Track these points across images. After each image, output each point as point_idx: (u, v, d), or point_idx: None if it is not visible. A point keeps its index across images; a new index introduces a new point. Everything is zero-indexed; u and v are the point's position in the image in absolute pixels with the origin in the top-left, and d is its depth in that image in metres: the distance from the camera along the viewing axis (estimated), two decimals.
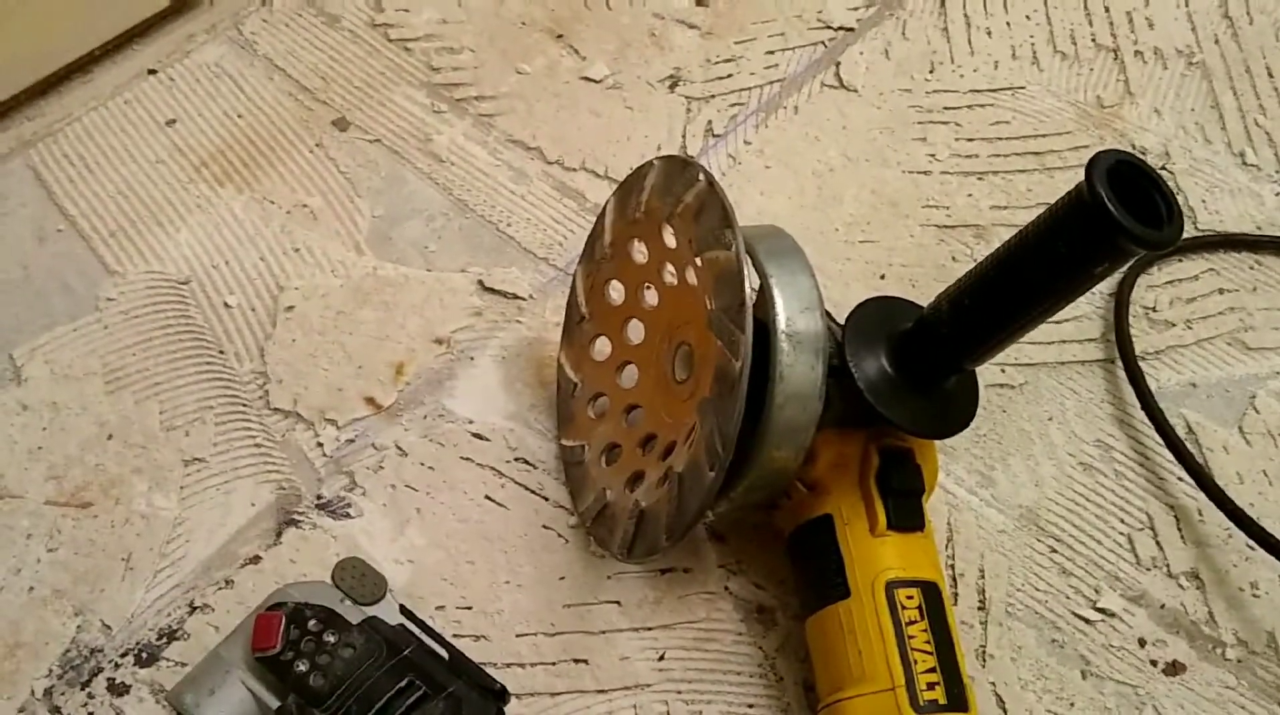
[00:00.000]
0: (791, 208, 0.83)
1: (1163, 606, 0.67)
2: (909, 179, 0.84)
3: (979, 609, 0.66)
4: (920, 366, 0.58)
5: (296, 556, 0.66)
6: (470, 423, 0.72)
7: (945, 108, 0.88)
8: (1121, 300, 0.76)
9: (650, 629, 0.65)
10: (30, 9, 0.82)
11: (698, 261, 0.59)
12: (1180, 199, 0.83)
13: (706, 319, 0.57)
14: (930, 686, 0.54)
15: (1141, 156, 0.84)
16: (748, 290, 0.54)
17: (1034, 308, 0.54)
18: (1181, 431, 0.72)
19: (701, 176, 0.58)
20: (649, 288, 0.67)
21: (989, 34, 0.93)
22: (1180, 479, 0.70)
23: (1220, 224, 0.82)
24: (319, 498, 0.68)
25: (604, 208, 0.68)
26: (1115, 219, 0.47)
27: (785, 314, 0.55)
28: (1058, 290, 0.53)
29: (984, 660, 0.64)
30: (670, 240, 0.63)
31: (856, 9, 0.95)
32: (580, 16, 0.93)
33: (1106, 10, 0.95)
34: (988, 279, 0.55)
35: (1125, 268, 0.75)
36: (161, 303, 0.75)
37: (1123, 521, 0.69)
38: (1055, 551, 0.68)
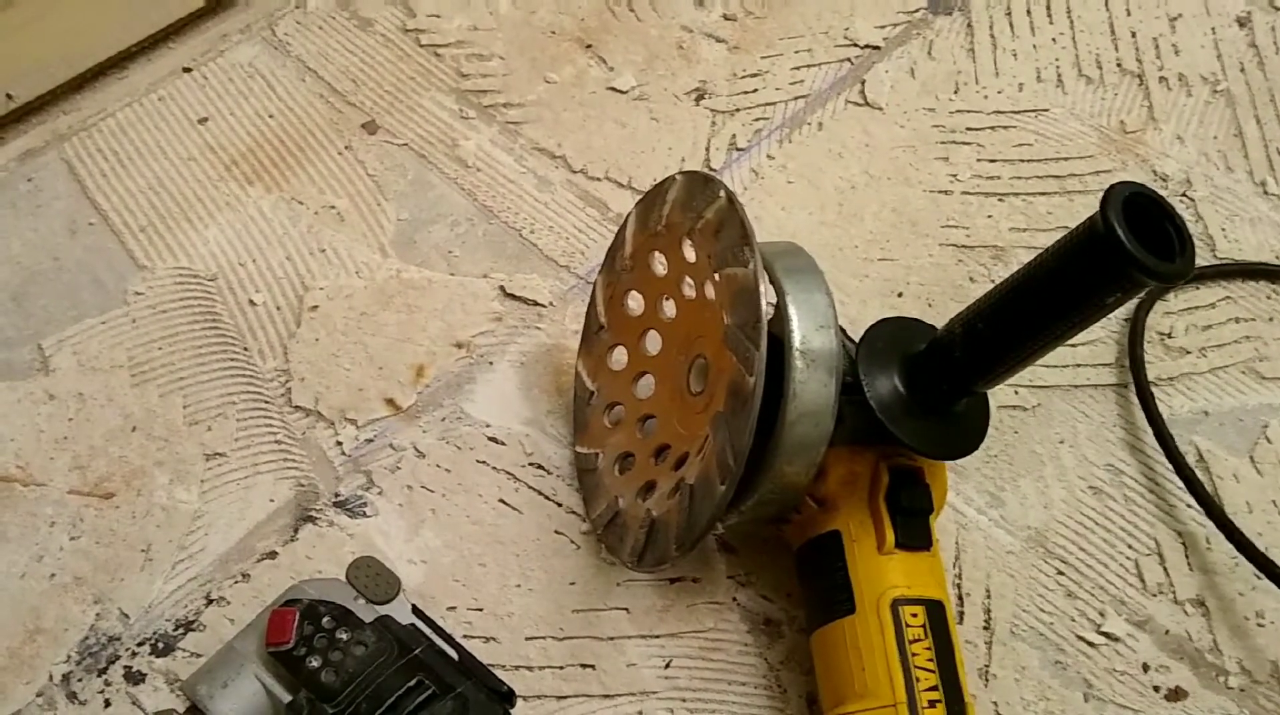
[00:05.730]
0: (812, 223, 0.83)
1: (1167, 632, 0.67)
2: (930, 198, 0.85)
3: (984, 628, 0.67)
4: (932, 388, 0.58)
5: (312, 553, 0.67)
6: (487, 427, 0.73)
7: (968, 128, 0.89)
8: (1137, 326, 0.77)
9: (658, 636, 0.66)
10: (69, 6, 0.83)
11: (716, 277, 0.60)
12: (1199, 227, 0.84)
13: (723, 334, 0.58)
14: (932, 704, 0.55)
15: (1162, 183, 0.85)
16: (764, 308, 0.55)
17: (1046, 335, 0.54)
18: (1192, 459, 0.73)
19: (722, 193, 0.59)
20: (667, 300, 0.68)
21: (1015, 56, 0.93)
22: (1189, 506, 0.71)
23: (1239, 253, 0.83)
24: (336, 496, 0.70)
25: (626, 220, 0.69)
26: (1127, 251, 0.47)
27: (800, 332, 0.56)
28: (1070, 318, 0.53)
29: (987, 680, 0.65)
30: (690, 254, 0.64)
31: (883, 28, 0.95)
32: (609, 27, 0.94)
33: (1133, 35, 0.95)
34: (1001, 304, 0.56)
35: (1140, 296, 0.76)
36: (188, 298, 0.77)
37: (1130, 546, 0.70)
38: (1062, 574, 0.69)
